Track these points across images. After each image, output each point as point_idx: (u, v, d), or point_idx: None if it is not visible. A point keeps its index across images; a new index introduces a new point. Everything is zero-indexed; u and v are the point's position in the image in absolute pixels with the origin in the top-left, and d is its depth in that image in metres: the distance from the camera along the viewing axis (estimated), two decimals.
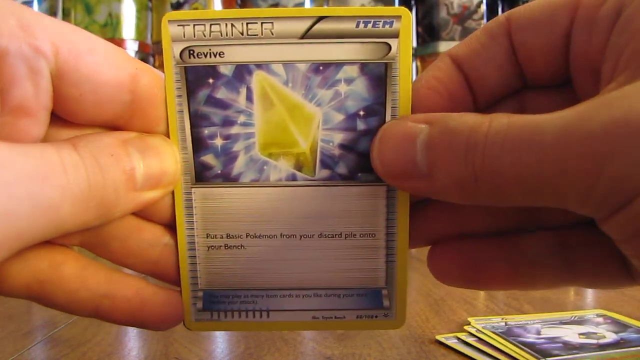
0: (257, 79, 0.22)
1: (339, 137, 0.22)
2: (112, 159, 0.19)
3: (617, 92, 0.16)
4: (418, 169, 0.18)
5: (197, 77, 0.22)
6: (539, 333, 0.35)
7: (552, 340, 0.33)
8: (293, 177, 0.22)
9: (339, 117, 0.22)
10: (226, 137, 0.22)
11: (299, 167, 0.22)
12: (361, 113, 0.22)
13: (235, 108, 0.22)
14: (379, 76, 0.21)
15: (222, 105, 0.22)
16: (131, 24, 1.30)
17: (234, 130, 0.22)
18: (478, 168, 0.17)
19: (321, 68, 0.21)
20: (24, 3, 1.16)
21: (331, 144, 0.22)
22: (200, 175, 0.22)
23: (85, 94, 0.19)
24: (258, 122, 0.22)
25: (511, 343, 0.33)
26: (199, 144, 0.22)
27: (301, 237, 0.23)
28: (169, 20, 0.21)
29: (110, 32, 1.26)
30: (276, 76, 0.22)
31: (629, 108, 0.15)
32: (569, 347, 0.32)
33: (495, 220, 0.22)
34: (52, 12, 1.26)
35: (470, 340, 0.34)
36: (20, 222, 0.17)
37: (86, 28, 1.24)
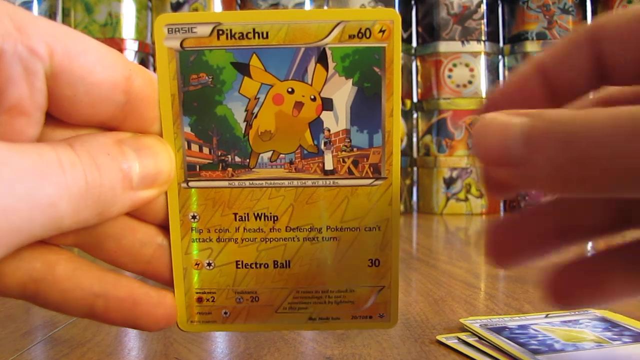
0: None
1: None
2: (109, 158, 0.19)
3: None
4: (514, 157, 0.19)
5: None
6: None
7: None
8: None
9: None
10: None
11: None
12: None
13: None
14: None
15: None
16: (131, 23, 1.30)
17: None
18: (578, 155, 0.17)
19: None
20: (24, 3, 1.16)
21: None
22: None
23: (79, 94, 0.20)
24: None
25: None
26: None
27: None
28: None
29: (110, 31, 1.26)
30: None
31: None
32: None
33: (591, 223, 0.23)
34: (52, 12, 1.26)
35: (471, 340, 0.34)
36: (19, 220, 0.17)
37: (86, 28, 1.24)
